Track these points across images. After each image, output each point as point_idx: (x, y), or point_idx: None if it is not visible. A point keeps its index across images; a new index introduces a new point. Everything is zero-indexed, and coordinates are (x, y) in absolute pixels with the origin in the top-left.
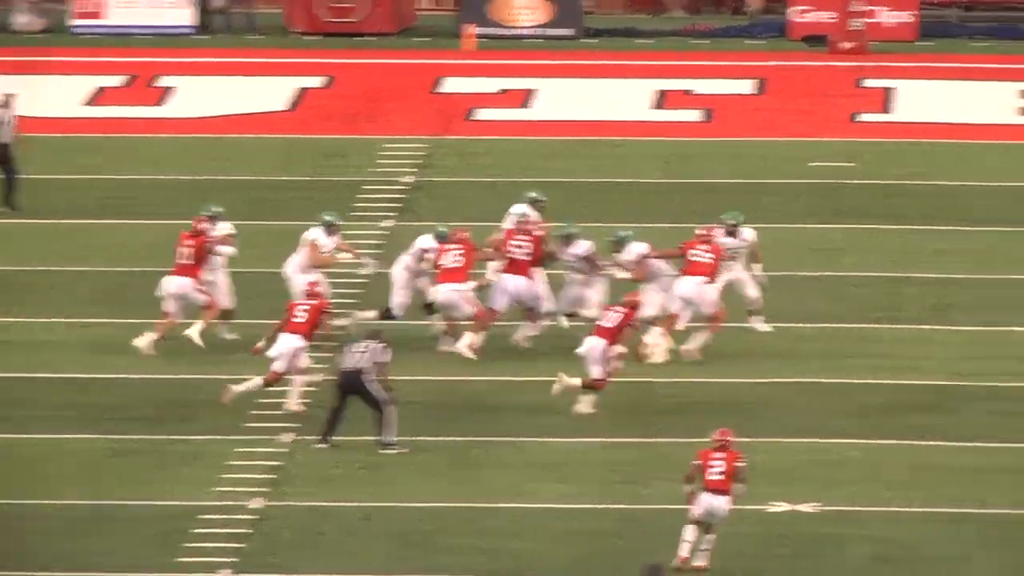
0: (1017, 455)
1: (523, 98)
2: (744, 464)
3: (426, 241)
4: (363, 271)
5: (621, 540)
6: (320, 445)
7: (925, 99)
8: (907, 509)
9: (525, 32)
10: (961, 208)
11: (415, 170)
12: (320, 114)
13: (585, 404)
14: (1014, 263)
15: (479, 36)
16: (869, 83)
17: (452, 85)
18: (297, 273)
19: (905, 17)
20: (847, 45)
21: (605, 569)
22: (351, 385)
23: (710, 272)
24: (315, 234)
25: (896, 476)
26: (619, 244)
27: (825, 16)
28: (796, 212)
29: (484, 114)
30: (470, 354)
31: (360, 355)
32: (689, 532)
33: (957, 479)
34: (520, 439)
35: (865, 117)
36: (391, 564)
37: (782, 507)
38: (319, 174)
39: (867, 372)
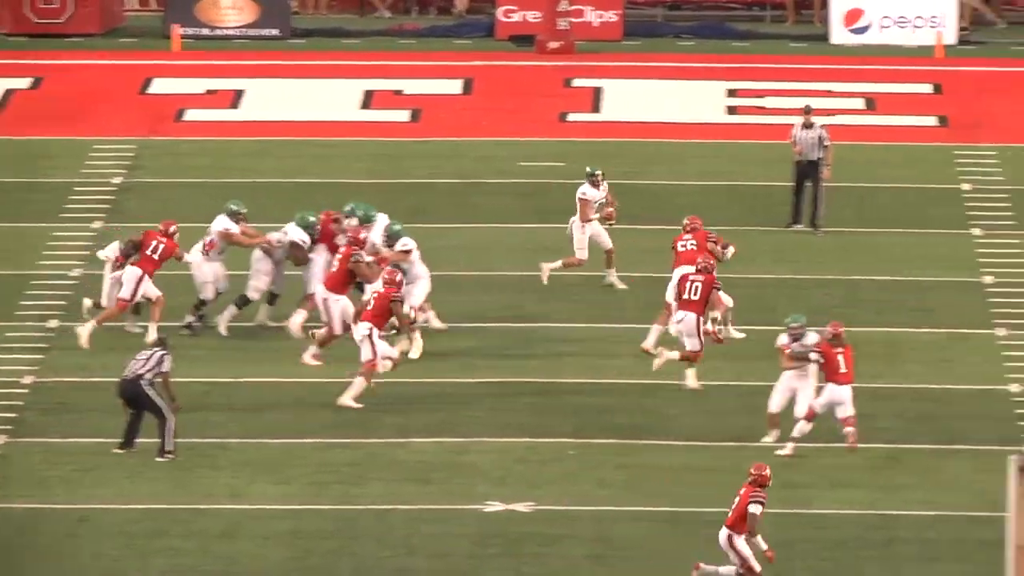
0: (721, 454)
1: (232, 98)
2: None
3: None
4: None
5: (335, 540)
6: (117, 450)
7: (633, 98)
8: (620, 508)
9: (232, 32)
10: (671, 207)
11: (124, 171)
12: (28, 115)
13: (691, 378)
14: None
15: (186, 37)
16: (577, 83)
17: (161, 86)
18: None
19: (610, 17)
20: (554, 45)
21: (319, 569)
22: (129, 393)
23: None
24: (224, 223)
25: (608, 475)
26: (392, 238)
27: (532, 16)
28: (506, 212)
29: (193, 115)
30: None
31: (141, 362)
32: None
33: (668, 478)
34: (234, 440)
35: (574, 117)
36: (106, 566)
37: (496, 506)
38: (28, 176)
39: (581, 371)
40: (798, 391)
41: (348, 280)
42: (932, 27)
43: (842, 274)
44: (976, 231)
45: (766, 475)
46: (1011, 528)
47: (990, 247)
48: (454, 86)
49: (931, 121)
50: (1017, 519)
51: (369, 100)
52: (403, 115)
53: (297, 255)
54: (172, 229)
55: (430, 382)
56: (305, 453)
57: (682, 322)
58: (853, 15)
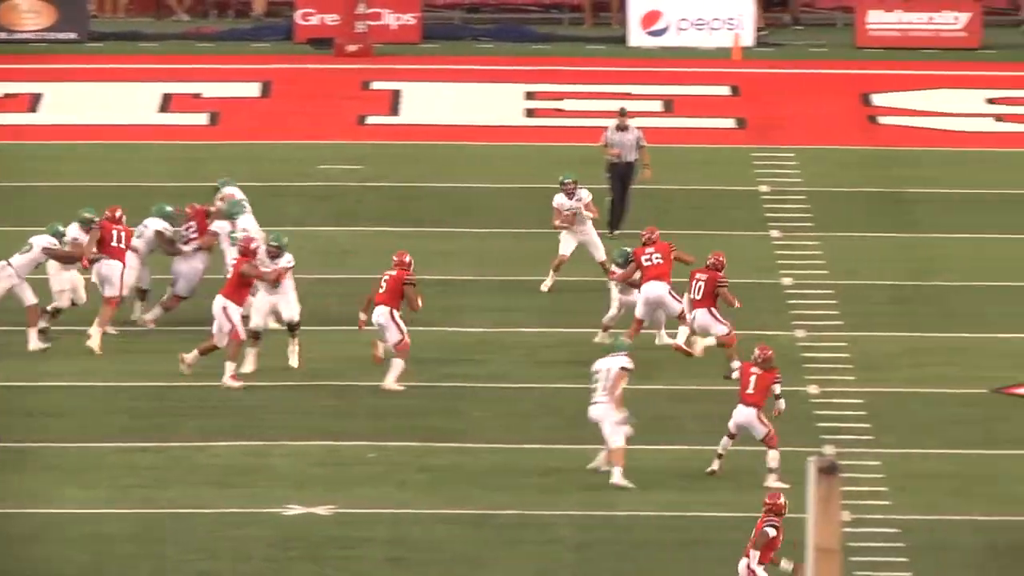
0: (523, 456)
1: (29, 102)
2: None
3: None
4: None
5: (137, 543)
6: None
7: (431, 101)
8: (421, 510)
9: (30, 36)
10: (471, 210)
11: None
12: None
13: (735, 362)
14: (521, 265)
15: None
16: (376, 85)
17: None
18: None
19: (408, 19)
20: (352, 48)
21: (121, 573)
22: None
23: None
24: (74, 231)
25: (410, 477)
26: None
27: (330, 19)
28: (305, 215)
29: None
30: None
31: None
32: None
33: (470, 480)
34: (34, 444)
35: (372, 119)
36: None
37: (297, 510)
38: None
39: (381, 374)
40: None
41: (244, 287)
42: (729, 29)
43: None
44: (775, 232)
45: (780, 503)
46: (811, 530)
47: (788, 249)
48: (252, 89)
49: (729, 123)
50: (817, 521)
51: (168, 103)
52: (202, 118)
53: (167, 247)
54: (119, 214)
55: (222, 387)
56: (106, 457)
57: (695, 320)
58: (651, 17)
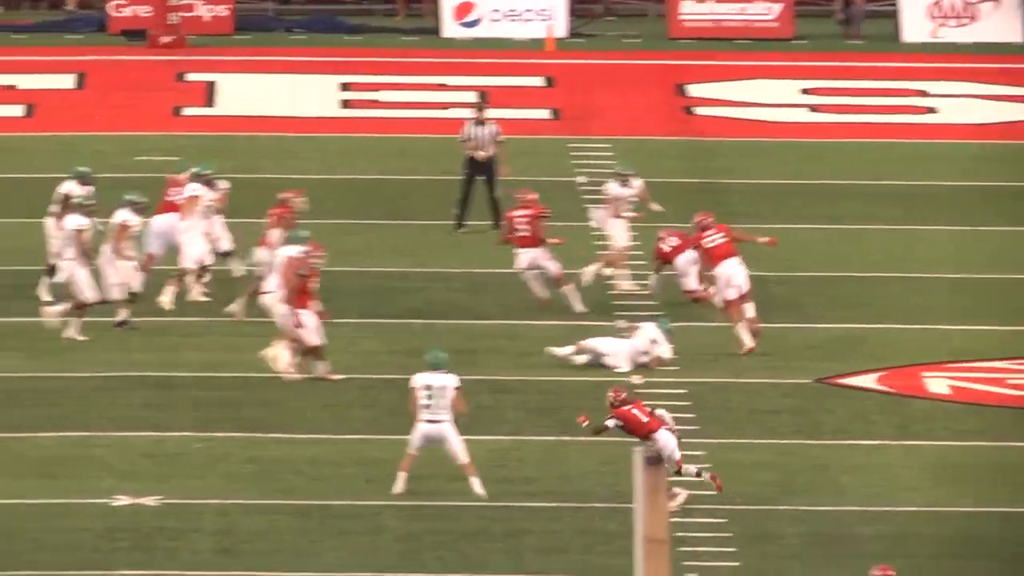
0: (345, 447)
1: None
2: None
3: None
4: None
5: None
6: None
7: (246, 92)
8: (248, 501)
9: None
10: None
11: None
12: None
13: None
14: (349, 256)
15: None
16: (190, 77)
17: None
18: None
19: (221, 11)
20: (166, 39)
21: None
22: None
23: None
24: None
25: (236, 468)
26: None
27: (143, 10)
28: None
29: None
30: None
31: None
32: None
33: (295, 470)
34: None
35: (188, 111)
36: None
37: (125, 500)
38: None
39: (201, 365)
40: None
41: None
42: (543, 20)
43: (466, 267)
44: (593, 223)
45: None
46: (639, 520)
47: (607, 239)
48: (67, 81)
49: (544, 114)
50: (645, 511)
51: None
52: (17, 110)
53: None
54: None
55: (50, 376)
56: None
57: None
58: (464, 8)
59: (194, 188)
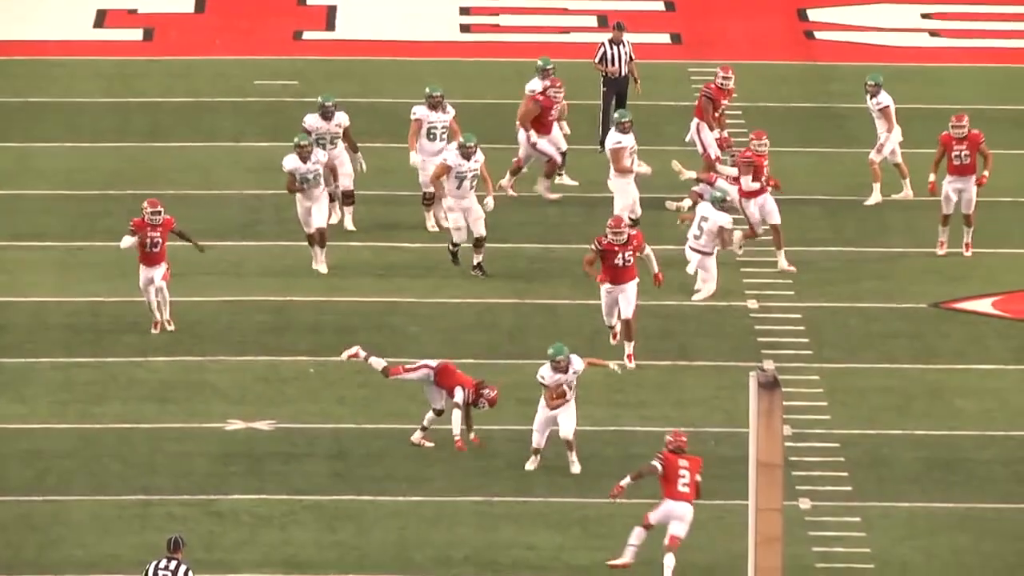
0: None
1: None
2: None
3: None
4: None
5: (76, 459)
6: None
7: (367, 16)
8: (360, 425)
9: None
10: (406, 125)
11: None
12: None
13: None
14: None
15: None
16: (311, 1)
17: None
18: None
19: None
20: None
21: (60, 489)
22: None
23: None
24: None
25: (350, 393)
26: None
27: None
28: (241, 131)
29: None
30: None
31: None
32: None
33: (411, 396)
34: None
35: (308, 35)
36: None
37: (238, 425)
38: None
39: (319, 290)
40: (560, 416)
41: None
42: None
43: (583, 191)
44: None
45: (683, 440)
46: (753, 444)
47: (727, 163)
48: (187, 4)
49: (665, 39)
50: (759, 436)
51: (102, 19)
52: (136, 34)
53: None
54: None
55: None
56: (44, 373)
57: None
58: None
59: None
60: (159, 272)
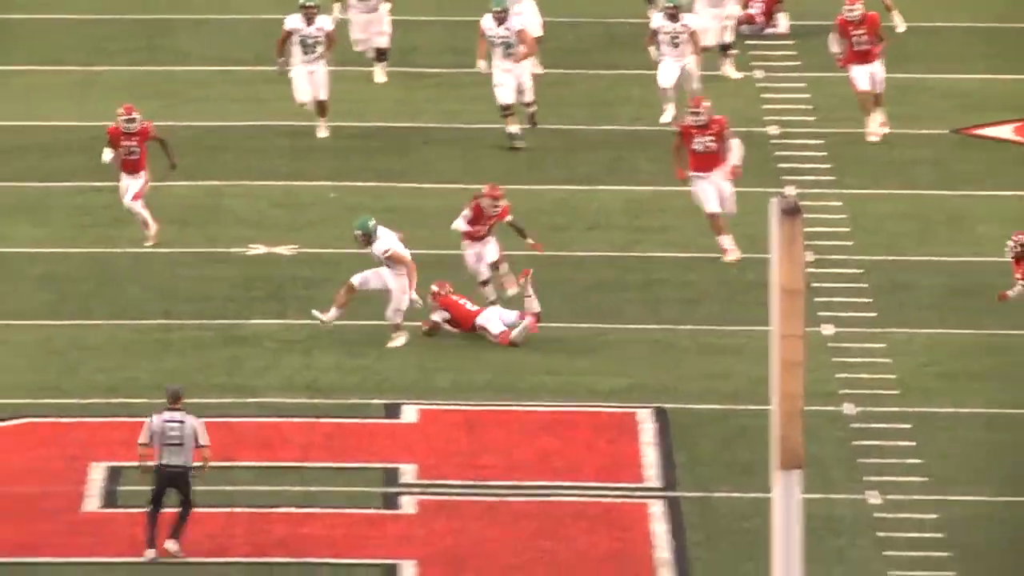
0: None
1: None
2: None
3: None
4: None
5: (94, 282)
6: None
7: None
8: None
9: None
10: None
11: None
12: None
13: None
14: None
15: None
16: None
17: None
18: None
19: None
20: None
21: (78, 312)
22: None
23: None
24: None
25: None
26: None
27: None
28: None
29: None
30: None
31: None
32: None
33: (425, 220)
34: None
35: None
36: None
37: (260, 249)
38: None
39: (339, 114)
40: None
41: None
42: None
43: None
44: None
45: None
46: (775, 270)
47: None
48: None
49: None
50: (780, 261)
51: None
52: None
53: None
54: None
55: (184, 125)
56: (61, 197)
57: None
58: None
59: None
60: (136, 184)
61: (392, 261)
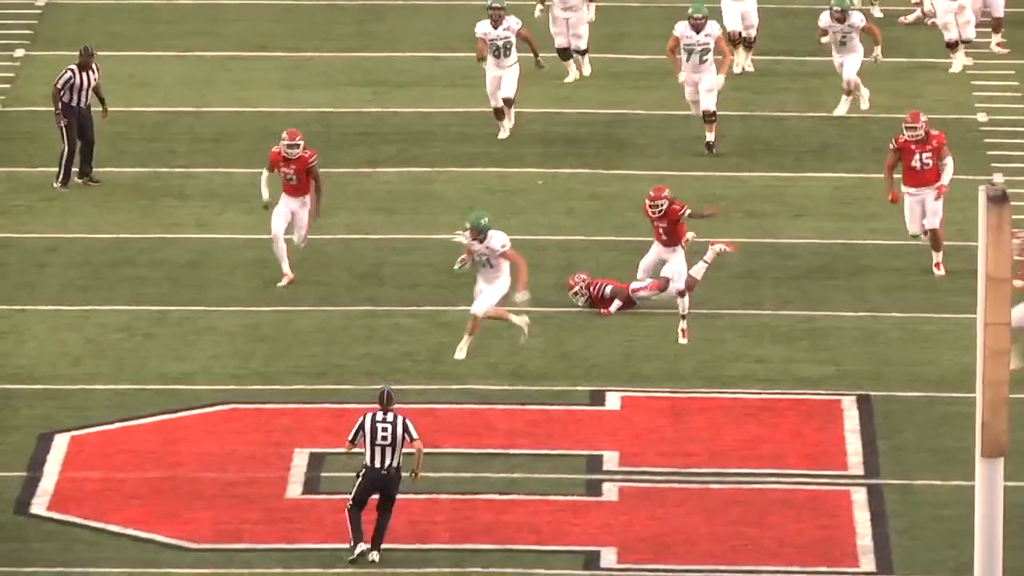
0: (684, 183)
1: None
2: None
3: None
4: None
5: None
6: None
7: None
8: (589, 237)
9: None
10: None
11: None
12: None
13: None
14: None
15: None
16: None
17: None
18: None
19: None
20: None
21: (287, 298)
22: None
23: None
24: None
25: (578, 205)
26: None
27: None
28: None
29: None
30: None
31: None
32: None
33: (636, 207)
34: (200, 170)
35: None
36: (69, 295)
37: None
38: None
39: (544, 102)
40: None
41: None
42: None
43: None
44: None
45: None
46: (982, 258)
47: None
48: None
49: None
50: (988, 249)
51: None
52: None
53: None
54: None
55: (394, 112)
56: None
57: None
58: None
59: None
60: (302, 214)
61: (505, 259)
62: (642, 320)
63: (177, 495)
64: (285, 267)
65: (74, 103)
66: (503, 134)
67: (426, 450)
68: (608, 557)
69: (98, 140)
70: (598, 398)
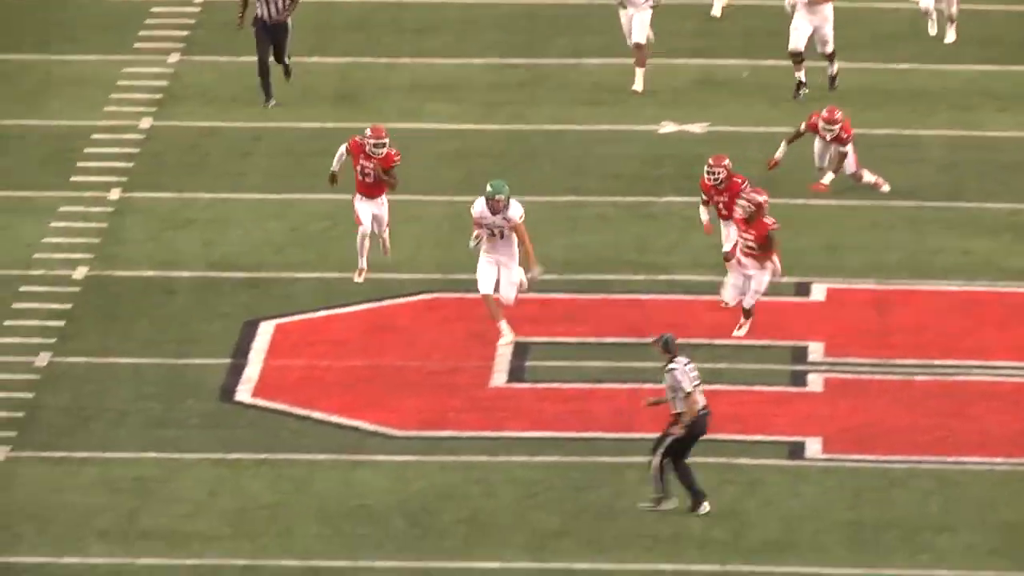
0: None
1: None
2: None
3: None
4: None
5: (506, 160)
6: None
7: None
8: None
9: None
10: None
11: None
12: None
13: None
14: None
15: None
16: None
17: None
18: None
19: None
20: None
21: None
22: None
23: None
24: None
25: (782, 93)
26: None
27: None
28: None
29: None
30: None
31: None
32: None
33: None
34: (405, 60)
35: None
36: (272, 183)
37: (670, 128)
38: None
39: None
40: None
41: None
42: None
43: None
44: None
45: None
46: None
47: None
48: None
49: None
50: None
51: None
52: None
53: None
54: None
55: (599, 4)
56: (476, 74)
57: None
58: None
59: None
60: (378, 209)
61: (516, 231)
62: (848, 213)
63: (381, 383)
64: (363, 262)
65: (263, 15)
66: (714, 11)
67: (631, 340)
68: (813, 447)
69: (302, 29)
70: (803, 289)
